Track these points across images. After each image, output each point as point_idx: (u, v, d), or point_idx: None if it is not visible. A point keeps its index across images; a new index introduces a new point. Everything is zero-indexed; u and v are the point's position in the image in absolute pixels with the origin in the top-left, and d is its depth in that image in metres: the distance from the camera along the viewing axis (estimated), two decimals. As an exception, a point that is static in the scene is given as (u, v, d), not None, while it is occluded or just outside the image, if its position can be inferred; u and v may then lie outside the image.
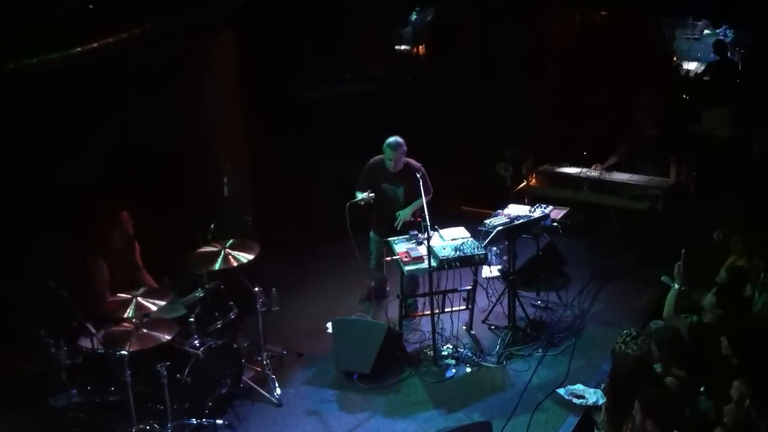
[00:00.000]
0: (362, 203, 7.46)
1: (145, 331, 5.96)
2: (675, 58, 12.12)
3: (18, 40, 6.15)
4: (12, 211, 6.78)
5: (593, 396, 6.46)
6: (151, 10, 7.21)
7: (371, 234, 7.87)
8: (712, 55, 12.04)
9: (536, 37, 10.89)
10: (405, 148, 7.41)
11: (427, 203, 7.21)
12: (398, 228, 7.56)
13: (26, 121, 6.80)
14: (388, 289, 8.20)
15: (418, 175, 7.34)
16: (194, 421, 6.28)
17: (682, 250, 6.33)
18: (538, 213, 7.63)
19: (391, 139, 7.42)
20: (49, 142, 6.93)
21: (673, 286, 6.37)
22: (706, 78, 11.71)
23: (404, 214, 7.56)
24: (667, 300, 6.38)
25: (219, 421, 6.35)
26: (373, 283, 8.08)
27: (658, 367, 5.78)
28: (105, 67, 6.95)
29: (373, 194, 7.46)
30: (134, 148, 7.63)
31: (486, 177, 9.94)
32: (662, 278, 6.95)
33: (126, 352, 5.77)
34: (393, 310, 7.66)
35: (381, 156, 7.55)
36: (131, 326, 5.96)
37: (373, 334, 7.02)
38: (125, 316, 5.93)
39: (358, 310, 8.00)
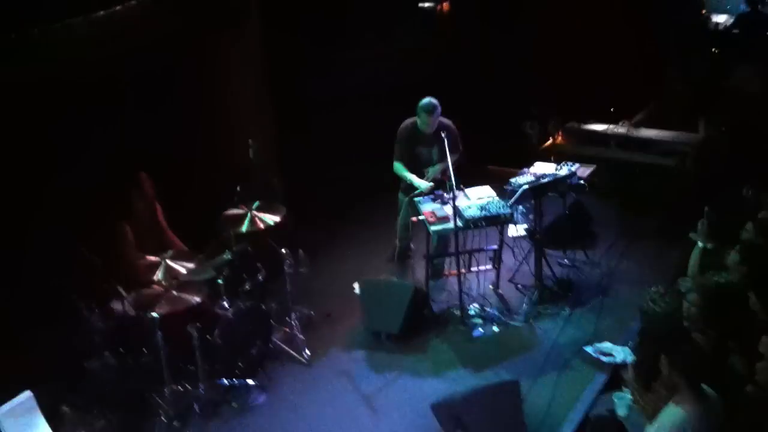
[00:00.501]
0: (415, 184, 7.40)
1: (175, 293, 6.04)
2: (704, 11, 11.86)
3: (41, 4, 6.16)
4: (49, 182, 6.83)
5: (621, 354, 6.47)
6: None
7: (400, 195, 7.82)
8: (742, 6, 11.77)
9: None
10: (440, 108, 7.31)
11: (453, 162, 7.17)
12: (428, 177, 7.49)
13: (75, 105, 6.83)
14: (412, 247, 8.20)
15: (448, 133, 7.26)
16: (225, 381, 6.38)
17: (705, 208, 6.26)
18: (564, 171, 7.57)
19: (425, 102, 7.29)
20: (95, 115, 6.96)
21: (698, 243, 6.31)
22: (735, 31, 11.47)
23: (434, 171, 7.50)
24: (692, 258, 6.33)
25: (250, 382, 6.45)
26: (398, 243, 8.10)
27: (687, 325, 5.76)
28: (130, 34, 6.95)
29: (432, 184, 7.40)
30: (161, 118, 7.64)
31: (512, 135, 9.85)
32: (690, 235, 6.88)
33: (157, 315, 5.85)
34: (420, 271, 7.67)
35: (411, 120, 7.47)
36: (161, 289, 6.04)
37: (400, 295, 7.05)
38: (155, 279, 6.01)
39: (385, 270, 8.03)
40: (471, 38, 10.25)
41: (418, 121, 7.38)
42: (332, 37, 9.79)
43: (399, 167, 7.51)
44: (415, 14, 10.89)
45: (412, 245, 8.18)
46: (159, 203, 7.03)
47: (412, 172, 7.54)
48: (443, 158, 7.30)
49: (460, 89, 9.52)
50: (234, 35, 8.25)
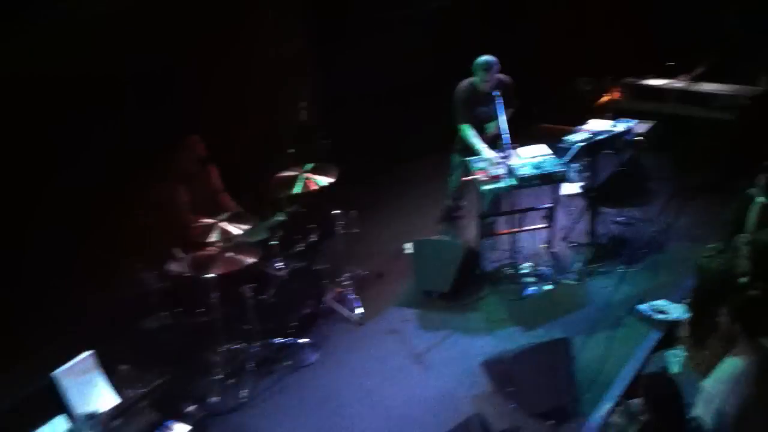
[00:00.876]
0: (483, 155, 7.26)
1: (229, 254, 6.13)
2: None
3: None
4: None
5: (676, 311, 6.37)
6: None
7: (454, 156, 7.72)
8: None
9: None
10: (498, 65, 7.18)
11: (509, 118, 7.07)
12: (489, 131, 7.40)
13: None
14: (463, 207, 8.13)
15: (504, 88, 7.20)
16: (279, 340, 6.50)
17: (765, 162, 6.09)
18: (620, 127, 7.44)
19: (482, 60, 7.16)
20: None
21: (756, 199, 6.15)
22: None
23: (492, 126, 7.36)
24: (750, 214, 6.18)
25: (302, 340, 6.55)
26: (449, 203, 8.08)
27: (743, 281, 5.64)
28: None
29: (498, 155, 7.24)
30: (208, 80, 7.71)
31: (566, 91, 9.68)
32: (749, 191, 6.70)
33: (212, 275, 5.96)
34: (472, 230, 7.64)
35: (467, 80, 7.35)
36: (216, 250, 6.15)
37: (451, 254, 7.06)
38: (210, 240, 6.12)
39: (436, 230, 8.03)
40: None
41: (476, 79, 7.29)
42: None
43: (467, 132, 7.36)
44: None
45: (462, 205, 8.14)
46: (214, 166, 7.13)
47: (476, 127, 7.43)
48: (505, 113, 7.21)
49: (513, 44, 9.38)
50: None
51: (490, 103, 7.28)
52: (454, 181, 7.83)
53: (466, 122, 7.38)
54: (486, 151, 7.27)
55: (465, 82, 7.38)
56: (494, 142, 7.36)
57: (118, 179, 6.72)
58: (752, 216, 6.17)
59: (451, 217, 8.07)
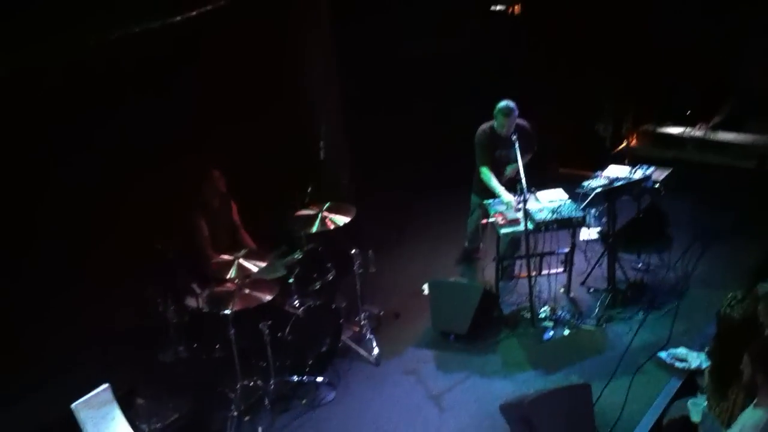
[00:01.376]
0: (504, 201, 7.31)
1: (247, 291, 6.12)
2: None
3: (121, 9, 6.35)
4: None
5: (696, 359, 6.31)
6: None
7: (474, 197, 7.80)
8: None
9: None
10: (517, 111, 7.27)
11: (526, 164, 7.12)
12: (507, 175, 7.48)
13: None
14: (481, 248, 8.15)
15: (523, 134, 7.27)
16: (295, 378, 6.46)
17: None
18: (639, 174, 7.45)
19: (503, 105, 7.26)
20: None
21: None
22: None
23: (512, 168, 7.42)
24: None
25: (319, 379, 6.51)
26: (467, 244, 8.10)
27: (765, 332, 5.59)
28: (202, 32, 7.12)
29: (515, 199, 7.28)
30: (230, 113, 7.79)
31: (585, 137, 9.72)
32: (771, 239, 6.69)
33: (230, 311, 5.95)
34: (490, 272, 7.62)
35: (487, 124, 7.44)
36: (234, 286, 6.15)
37: (469, 296, 7.03)
38: (228, 276, 6.12)
39: (455, 271, 8.01)
40: (543, 40, 10.14)
41: (495, 124, 7.36)
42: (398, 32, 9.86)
43: (487, 175, 7.43)
44: (486, 16, 10.86)
45: (481, 246, 8.15)
46: (234, 201, 7.17)
47: (494, 170, 7.49)
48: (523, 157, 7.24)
49: (532, 91, 9.46)
50: (304, 28, 8.34)
51: (510, 147, 7.31)
52: (472, 223, 7.86)
53: (485, 164, 7.43)
54: (504, 194, 7.30)
55: (485, 126, 7.46)
56: (512, 185, 7.38)
57: (142, 215, 6.78)
58: None
59: (469, 259, 8.06)
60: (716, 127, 9.12)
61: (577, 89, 9.80)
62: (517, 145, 7.07)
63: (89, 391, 5.15)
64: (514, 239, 7.44)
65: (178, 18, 6.75)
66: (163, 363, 6.35)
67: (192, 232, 6.79)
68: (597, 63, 9.87)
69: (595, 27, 10.00)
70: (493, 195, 7.44)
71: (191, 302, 6.42)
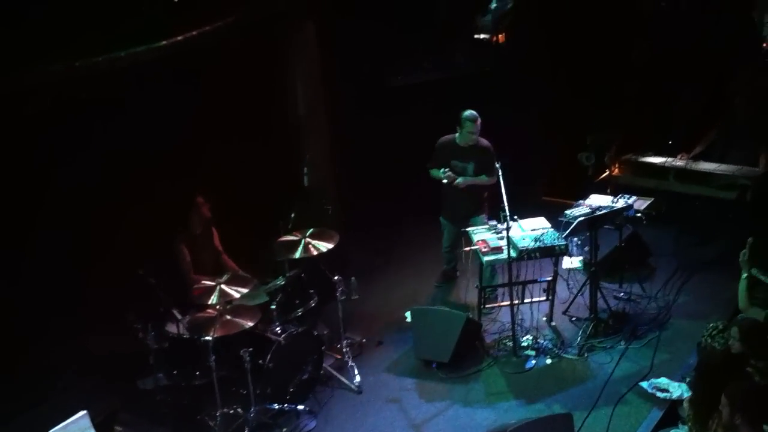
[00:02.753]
0: (443, 179, 7.52)
1: (228, 317, 6.09)
2: (765, 44, 11.67)
3: (107, 34, 6.34)
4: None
5: (678, 390, 6.33)
6: (234, 2, 7.34)
7: (441, 218, 7.96)
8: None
9: (619, 22, 10.65)
10: (480, 121, 7.45)
11: (496, 185, 7.19)
12: (460, 187, 7.57)
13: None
14: (458, 273, 8.27)
15: (484, 153, 7.48)
16: (276, 406, 6.40)
17: (749, 239, 6.15)
18: (621, 203, 7.48)
19: (469, 112, 7.45)
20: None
21: (742, 275, 6.19)
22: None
23: (466, 179, 7.56)
24: (740, 290, 6.19)
25: (300, 407, 6.46)
26: (444, 266, 8.20)
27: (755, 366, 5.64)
28: (189, 59, 7.12)
29: (449, 171, 7.51)
30: (215, 138, 7.79)
31: (568, 166, 9.77)
32: (752, 270, 6.74)
33: (210, 338, 5.91)
34: (472, 300, 7.60)
35: (451, 135, 7.63)
36: (215, 313, 6.11)
37: (452, 324, 7.01)
38: (209, 302, 6.08)
39: (438, 298, 8.01)
40: (526, 70, 10.23)
41: (459, 134, 7.53)
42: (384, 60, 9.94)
43: (433, 171, 7.67)
44: (471, 43, 10.95)
45: (458, 271, 8.25)
46: (215, 227, 7.15)
47: (447, 189, 7.71)
48: (477, 175, 7.55)
49: (515, 119, 9.53)
50: (291, 56, 8.38)
51: (467, 161, 7.55)
52: (445, 243, 8.03)
53: (434, 167, 7.65)
54: (445, 174, 7.49)
55: (447, 136, 7.70)
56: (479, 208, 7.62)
57: (124, 236, 6.76)
58: (741, 292, 6.20)
59: (444, 279, 8.27)
60: (698, 158, 9.18)
61: (561, 118, 9.88)
62: (474, 163, 7.45)
63: (66, 419, 5.06)
64: (494, 267, 7.48)
65: (164, 42, 6.74)
66: (142, 390, 6.28)
67: (174, 257, 6.76)
68: (580, 93, 9.96)
69: (579, 57, 10.10)
70: (460, 216, 7.70)
71: (172, 328, 6.37)
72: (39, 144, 6.56)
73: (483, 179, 7.55)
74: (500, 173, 7.09)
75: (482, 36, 11.48)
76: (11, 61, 5.74)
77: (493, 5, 11.73)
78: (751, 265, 6.19)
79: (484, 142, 7.59)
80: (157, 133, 7.19)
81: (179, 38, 6.86)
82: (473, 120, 7.42)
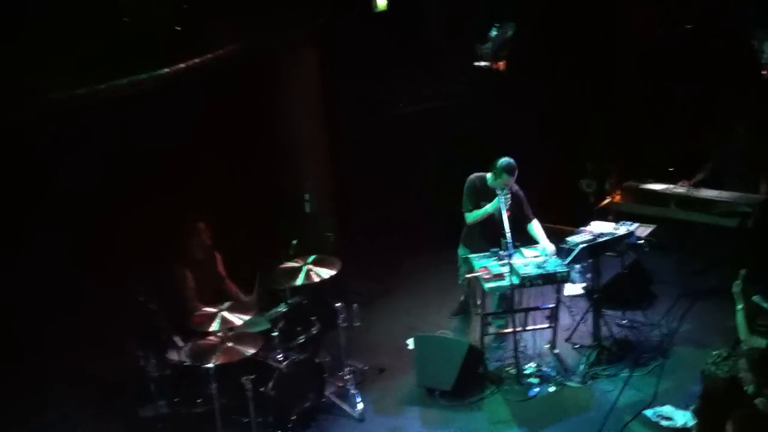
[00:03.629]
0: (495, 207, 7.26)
1: (230, 344, 6.05)
2: (765, 72, 11.75)
3: (107, 61, 6.37)
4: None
5: (682, 418, 6.30)
6: (236, 31, 7.39)
7: (460, 249, 7.75)
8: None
9: (618, 51, 10.74)
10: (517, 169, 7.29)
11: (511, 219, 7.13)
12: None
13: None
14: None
15: (518, 198, 7.35)
16: (278, 434, 6.35)
17: (741, 270, 6.17)
18: (622, 230, 7.47)
19: (506, 162, 7.21)
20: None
21: (737, 306, 6.18)
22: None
23: (546, 250, 7.27)
24: (737, 322, 6.19)
25: (302, 435, 6.42)
26: (462, 298, 8.07)
27: (749, 389, 5.59)
28: (191, 86, 7.15)
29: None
30: (216, 164, 7.80)
31: (569, 193, 9.79)
32: (753, 298, 6.72)
33: (212, 365, 5.87)
34: (475, 328, 7.55)
35: (478, 174, 7.45)
36: (217, 340, 6.08)
37: (454, 352, 6.98)
38: (211, 329, 6.05)
39: (440, 325, 7.97)
40: (527, 95, 10.28)
41: (491, 177, 7.33)
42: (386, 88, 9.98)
43: (474, 213, 7.41)
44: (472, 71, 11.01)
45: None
46: (219, 253, 7.14)
47: (477, 226, 7.50)
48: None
49: (516, 146, 9.55)
50: (294, 83, 8.42)
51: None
52: (462, 275, 7.83)
53: (470, 210, 7.44)
54: (490, 206, 7.26)
55: (476, 176, 7.47)
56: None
57: (125, 266, 6.75)
58: (739, 323, 6.19)
59: (466, 311, 8.09)
60: (699, 184, 9.19)
61: (562, 146, 9.91)
62: (504, 200, 7.12)
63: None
64: (504, 295, 7.42)
65: (166, 70, 6.77)
66: (143, 418, 6.23)
67: (177, 283, 6.74)
68: (582, 120, 10.02)
69: (580, 84, 10.16)
70: (479, 250, 7.42)
71: (173, 355, 6.34)
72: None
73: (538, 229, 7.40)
74: (502, 200, 7.09)
75: (482, 64, 11.56)
76: (10, 88, 5.75)
77: (493, 33, 11.82)
78: (748, 294, 6.18)
79: (515, 186, 7.41)
80: (156, 161, 7.22)
81: (181, 65, 6.89)
82: (511, 172, 7.19)
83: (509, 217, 7.13)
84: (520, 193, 7.46)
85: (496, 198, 7.21)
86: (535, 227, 7.43)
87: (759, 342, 5.93)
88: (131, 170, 7.20)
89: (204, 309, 6.26)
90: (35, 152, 6.51)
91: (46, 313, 6.65)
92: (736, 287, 6.19)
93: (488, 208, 7.29)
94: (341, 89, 9.12)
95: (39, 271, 6.63)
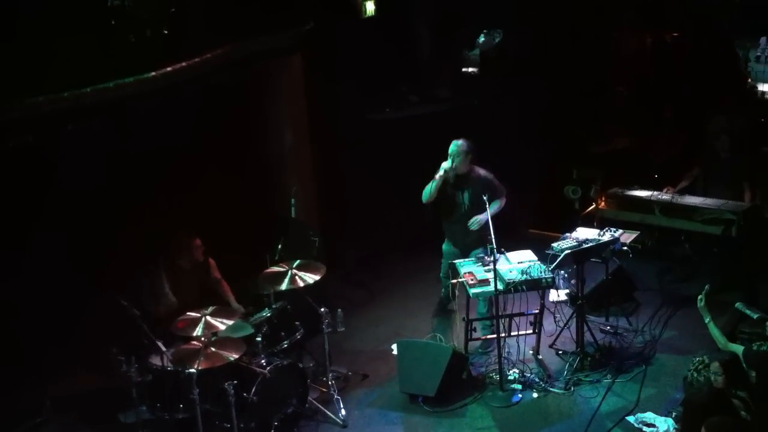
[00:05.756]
0: (437, 178, 7.35)
1: (213, 349, 6.03)
2: (750, 80, 11.82)
3: (94, 65, 6.34)
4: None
5: (664, 425, 6.33)
6: (223, 35, 7.37)
7: (444, 245, 7.84)
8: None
9: (606, 60, 10.81)
10: (469, 152, 7.39)
11: (497, 211, 7.26)
12: (472, 228, 7.47)
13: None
14: (455, 303, 8.07)
15: (487, 185, 7.41)
16: (260, 440, 6.32)
17: (706, 285, 6.28)
18: (607, 237, 7.49)
19: (454, 143, 7.40)
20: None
21: (705, 320, 6.24)
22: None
23: (477, 222, 7.44)
24: (712, 333, 6.24)
25: (284, 441, 6.39)
26: (442, 292, 8.08)
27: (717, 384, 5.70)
28: (177, 90, 7.13)
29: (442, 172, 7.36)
30: (201, 170, 7.79)
31: (554, 200, 9.82)
32: (736, 305, 6.77)
33: (194, 370, 5.85)
34: (459, 333, 7.57)
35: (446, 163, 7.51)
36: (200, 345, 6.05)
37: (438, 357, 6.97)
38: (194, 334, 6.04)
39: (425, 331, 7.97)
40: (514, 103, 10.33)
41: (450, 156, 7.41)
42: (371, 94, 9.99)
43: (425, 189, 7.47)
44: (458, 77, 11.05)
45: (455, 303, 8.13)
46: (211, 259, 7.13)
47: (444, 211, 7.63)
48: (476, 205, 7.42)
49: (502, 153, 9.59)
50: (279, 90, 8.42)
51: (462, 190, 7.50)
52: (443, 270, 7.89)
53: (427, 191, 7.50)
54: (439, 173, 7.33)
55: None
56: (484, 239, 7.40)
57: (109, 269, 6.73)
58: (714, 334, 6.24)
59: (441, 308, 8.14)
60: (683, 192, 9.23)
61: (547, 153, 9.95)
62: (469, 192, 7.35)
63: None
64: (489, 300, 7.44)
65: (153, 74, 6.75)
66: (124, 424, 6.20)
67: (146, 280, 6.73)
68: (568, 125, 10.07)
69: (566, 90, 10.22)
70: (464, 240, 7.56)
71: (155, 360, 6.30)
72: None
73: (494, 206, 7.40)
74: (488, 205, 7.12)
75: (470, 70, 11.59)
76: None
77: (480, 39, 11.87)
78: (723, 307, 6.22)
79: (481, 171, 7.54)
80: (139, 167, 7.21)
81: (168, 69, 6.87)
82: (456, 145, 7.38)
83: (474, 204, 7.34)
84: (489, 178, 7.52)
85: (441, 166, 7.33)
86: (493, 205, 7.37)
87: (736, 349, 5.99)
88: (118, 177, 7.16)
89: (187, 313, 6.23)
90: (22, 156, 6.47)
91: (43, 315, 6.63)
92: (700, 302, 6.26)
93: (435, 178, 7.38)
94: (328, 94, 9.11)
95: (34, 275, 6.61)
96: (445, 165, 7.35)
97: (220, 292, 7.13)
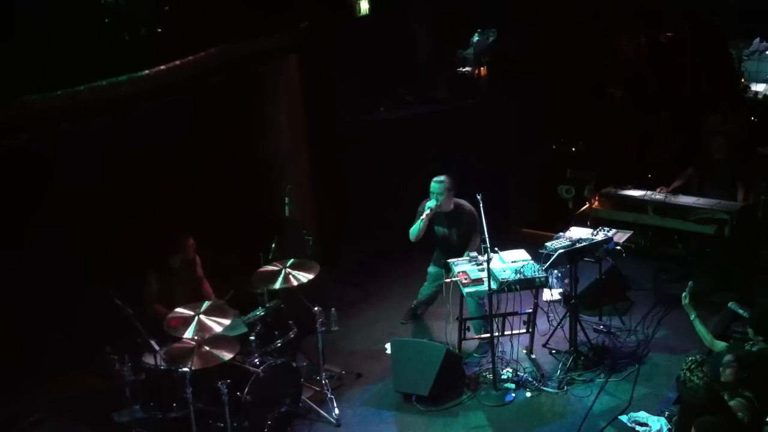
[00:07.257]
0: (423, 218, 7.37)
1: (207, 348, 6.03)
2: (743, 80, 11.86)
3: (88, 63, 6.33)
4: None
5: (657, 424, 6.34)
6: (219, 35, 7.37)
7: (430, 267, 7.92)
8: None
9: (601, 60, 10.83)
10: (449, 187, 7.39)
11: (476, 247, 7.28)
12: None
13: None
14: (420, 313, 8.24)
15: (471, 216, 7.43)
16: (254, 439, 6.32)
17: (689, 282, 6.33)
18: (600, 236, 7.51)
19: (435, 179, 7.40)
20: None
21: (690, 317, 6.26)
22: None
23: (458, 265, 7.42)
24: (698, 331, 6.26)
25: (278, 440, 6.39)
26: (413, 304, 8.14)
27: (725, 395, 5.66)
28: (173, 90, 7.12)
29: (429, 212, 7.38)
30: (197, 168, 7.78)
31: (548, 199, 9.84)
32: (729, 304, 6.78)
33: (188, 369, 5.85)
34: (453, 333, 7.57)
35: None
36: (193, 344, 6.05)
37: (432, 356, 6.98)
38: (187, 334, 6.03)
39: (418, 331, 7.98)
40: (509, 103, 10.34)
41: (432, 194, 7.42)
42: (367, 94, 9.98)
43: (413, 228, 7.49)
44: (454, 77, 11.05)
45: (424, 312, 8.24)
46: (199, 257, 7.13)
47: (439, 246, 7.72)
48: (463, 239, 7.52)
49: (497, 152, 9.61)
50: (275, 90, 8.42)
51: (449, 226, 7.54)
52: (424, 289, 8.00)
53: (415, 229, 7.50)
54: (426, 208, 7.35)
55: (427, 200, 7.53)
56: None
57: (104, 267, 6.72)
58: (700, 332, 6.27)
59: (410, 317, 8.19)
60: (676, 191, 9.25)
61: (541, 152, 9.96)
62: (456, 228, 7.42)
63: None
64: (481, 300, 7.45)
65: (146, 72, 6.74)
66: (118, 423, 6.19)
67: (141, 285, 6.73)
68: (561, 125, 10.08)
69: (559, 91, 10.22)
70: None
71: (149, 359, 6.29)
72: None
73: (477, 243, 7.43)
74: (481, 204, 7.12)
75: (464, 70, 11.59)
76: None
77: (475, 39, 11.87)
78: (703, 307, 6.27)
79: (467, 206, 7.51)
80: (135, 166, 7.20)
81: (162, 67, 6.86)
82: (439, 182, 7.35)
83: (463, 238, 7.42)
84: (474, 214, 7.46)
85: (426, 204, 7.34)
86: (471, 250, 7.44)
87: (720, 346, 6.03)
88: (114, 176, 7.15)
89: (180, 311, 6.22)
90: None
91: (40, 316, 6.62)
92: (684, 299, 6.28)
93: (421, 218, 7.38)
94: (325, 94, 9.10)
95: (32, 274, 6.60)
96: (430, 204, 7.36)
97: (199, 290, 7.12)
